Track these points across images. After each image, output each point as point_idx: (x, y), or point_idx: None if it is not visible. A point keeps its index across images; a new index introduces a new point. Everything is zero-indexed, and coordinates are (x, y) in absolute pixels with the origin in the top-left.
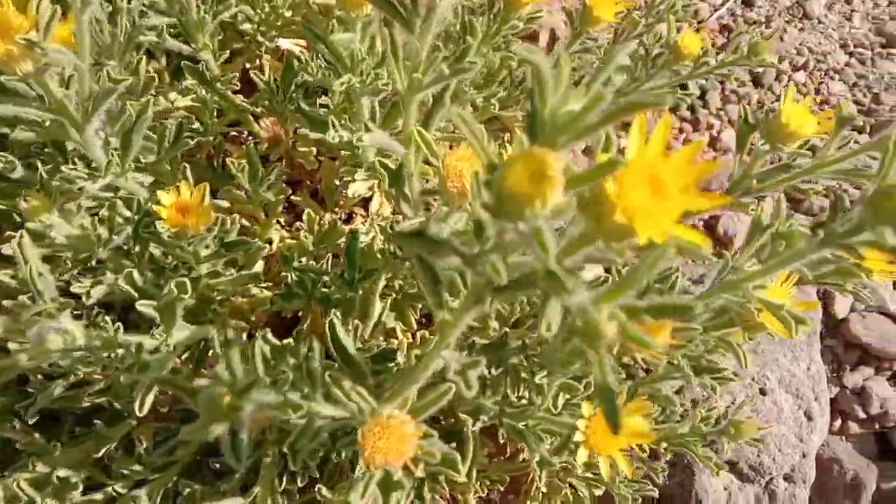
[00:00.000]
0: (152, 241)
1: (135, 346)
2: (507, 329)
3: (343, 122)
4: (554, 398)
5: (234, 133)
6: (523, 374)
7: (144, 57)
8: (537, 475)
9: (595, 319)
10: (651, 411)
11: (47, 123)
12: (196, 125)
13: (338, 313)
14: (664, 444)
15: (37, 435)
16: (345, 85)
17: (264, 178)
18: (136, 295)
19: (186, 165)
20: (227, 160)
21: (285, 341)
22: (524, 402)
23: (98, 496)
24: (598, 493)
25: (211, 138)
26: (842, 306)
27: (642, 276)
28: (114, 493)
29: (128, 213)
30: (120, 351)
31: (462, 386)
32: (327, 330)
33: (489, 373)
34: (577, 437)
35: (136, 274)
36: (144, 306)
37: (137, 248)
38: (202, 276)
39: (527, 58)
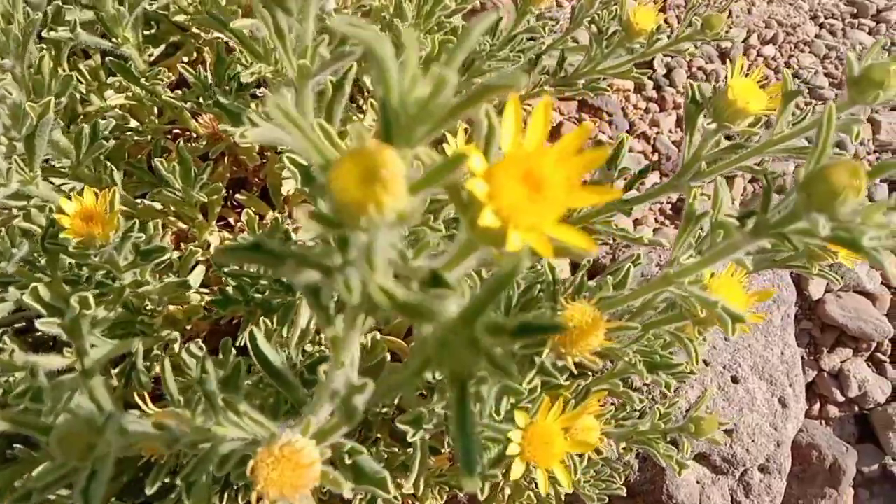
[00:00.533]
0: (61, 252)
1: (29, 370)
2: None
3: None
4: (496, 402)
5: (177, 131)
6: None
7: (48, 54)
8: (479, 488)
9: (450, 344)
10: (602, 412)
11: None
12: (133, 124)
13: (268, 320)
14: (623, 444)
15: None
16: (255, 75)
17: (197, 178)
18: (44, 312)
19: (113, 168)
20: (156, 160)
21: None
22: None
23: None
24: (567, 491)
25: (149, 137)
26: (816, 287)
27: (499, 290)
28: None
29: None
30: (19, 374)
31: (341, 415)
32: (248, 340)
33: (433, 377)
34: (512, 449)
35: (41, 288)
36: (46, 325)
37: (44, 261)
38: (125, 286)
39: (352, 34)
